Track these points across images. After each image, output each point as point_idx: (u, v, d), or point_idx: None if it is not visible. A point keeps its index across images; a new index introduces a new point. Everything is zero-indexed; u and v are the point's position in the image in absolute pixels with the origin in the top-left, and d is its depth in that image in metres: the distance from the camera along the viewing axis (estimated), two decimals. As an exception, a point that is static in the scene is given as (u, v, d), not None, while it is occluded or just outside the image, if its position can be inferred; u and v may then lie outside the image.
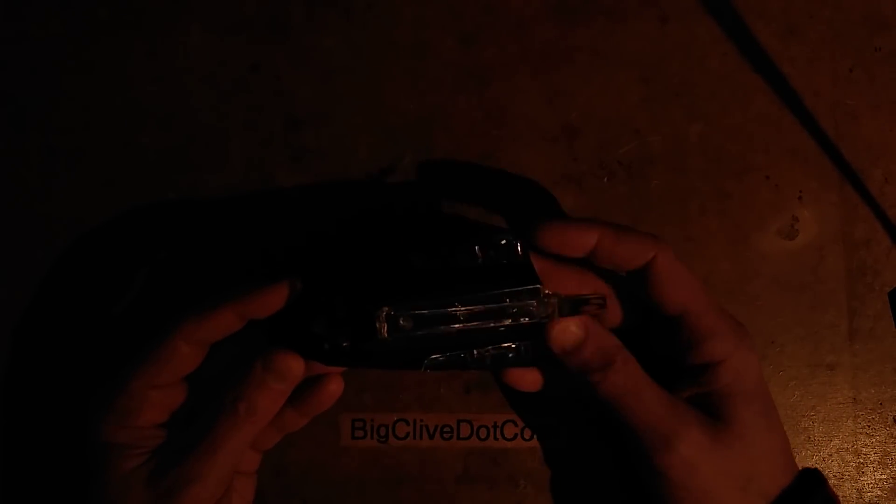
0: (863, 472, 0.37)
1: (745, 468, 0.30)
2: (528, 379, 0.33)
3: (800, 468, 0.32)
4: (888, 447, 0.37)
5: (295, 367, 0.29)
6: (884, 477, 0.37)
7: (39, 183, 0.37)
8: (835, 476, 0.37)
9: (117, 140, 0.37)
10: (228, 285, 0.30)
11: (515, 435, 0.36)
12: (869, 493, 0.37)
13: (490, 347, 0.30)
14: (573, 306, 0.29)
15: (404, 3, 0.37)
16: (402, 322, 0.28)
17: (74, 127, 0.37)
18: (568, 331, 0.29)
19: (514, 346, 0.30)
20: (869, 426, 0.37)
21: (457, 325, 0.29)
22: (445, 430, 0.37)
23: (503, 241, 0.29)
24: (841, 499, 0.36)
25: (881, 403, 0.37)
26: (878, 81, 0.37)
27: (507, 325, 0.29)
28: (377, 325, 0.28)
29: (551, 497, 0.36)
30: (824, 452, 0.37)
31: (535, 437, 0.36)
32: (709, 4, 0.37)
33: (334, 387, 0.32)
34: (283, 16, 0.37)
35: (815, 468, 0.33)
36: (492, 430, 0.36)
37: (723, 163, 0.37)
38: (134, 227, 0.37)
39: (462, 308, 0.29)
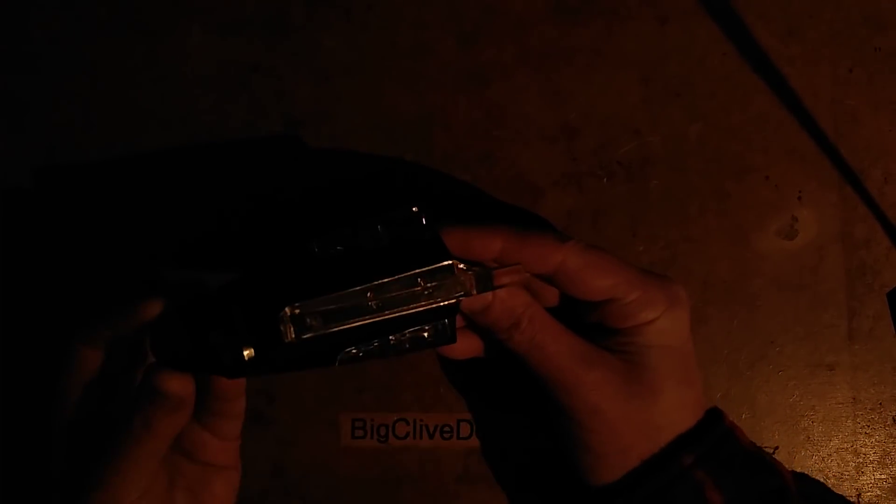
0: (862, 472, 0.37)
1: (655, 418, 0.31)
2: (459, 348, 0.33)
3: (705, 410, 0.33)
4: (888, 447, 0.37)
5: (176, 386, 0.27)
6: (883, 477, 0.37)
7: (39, 183, 0.37)
8: (834, 476, 0.37)
9: (118, 140, 0.37)
10: (107, 303, 0.29)
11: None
12: (868, 493, 0.37)
13: (406, 332, 0.28)
14: (488, 280, 0.28)
15: (404, 3, 0.37)
16: (309, 321, 0.26)
17: (74, 127, 0.37)
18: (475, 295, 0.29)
19: (430, 326, 0.28)
20: (868, 426, 0.37)
21: (369, 318, 0.26)
22: (445, 429, 0.37)
23: (406, 215, 0.28)
24: (840, 499, 0.36)
25: (880, 403, 0.37)
26: (877, 81, 0.37)
27: (423, 308, 0.27)
28: (282, 328, 0.25)
29: (550, 495, 0.36)
30: (824, 452, 0.37)
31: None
32: (709, 4, 0.37)
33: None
34: (283, 16, 0.37)
35: (715, 406, 0.33)
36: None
37: (722, 163, 0.37)
38: (134, 226, 0.37)
39: (373, 297, 0.26)
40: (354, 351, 0.27)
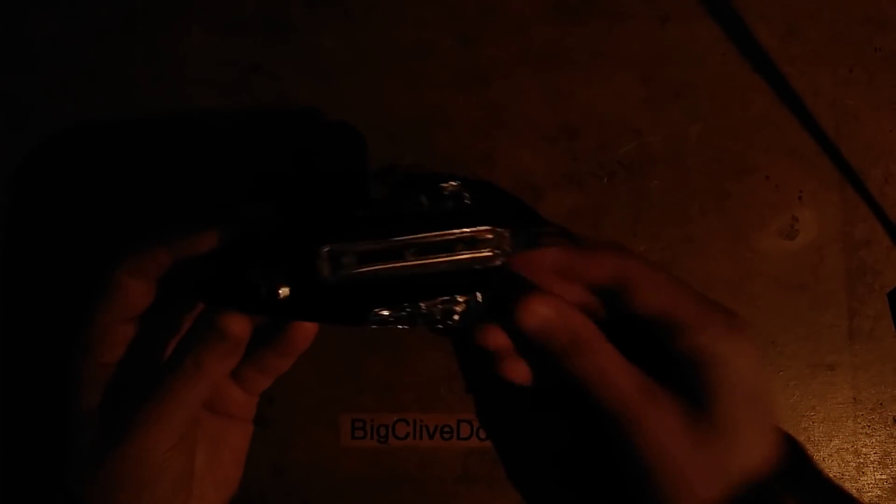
0: (863, 473, 0.37)
1: (722, 461, 0.29)
2: (512, 373, 0.32)
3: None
4: (888, 447, 0.37)
5: (236, 328, 0.27)
6: (884, 477, 0.37)
7: (39, 182, 0.37)
8: (834, 476, 0.37)
9: (117, 140, 0.37)
10: (166, 224, 0.29)
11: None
12: (869, 494, 0.37)
13: (438, 301, 0.28)
14: (529, 238, 0.28)
15: (404, 3, 0.37)
16: (344, 259, 0.27)
17: (75, 127, 0.37)
18: (536, 313, 0.29)
19: (463, 300, 0.29)
20: (869, 426, 0.37)
21: (404, 263, 0.27)
22: (445, 430, 0.37)
23: (449, 186, 0.29)
24: (841, 499, 0.36)
25: (881, 403, 0.37)
26: (878, 81, 0.37)
27: (457, 270, 0.28)
28: (318, 264, 0.26)
29: (552, 497, 0.36)
30: (824, 452, 0.37)
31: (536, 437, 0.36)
32: (709, 4, 0.37)
33: (308, 325, 0.30)
34: (283, 16, 0.37)
35: (788, 434, 0.31)
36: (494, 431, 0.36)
37: (723, 163, 0.37)
38: (133, 226, 0.37)
39: (409, 237, 0.27)
40: (385, 313, 0.28)
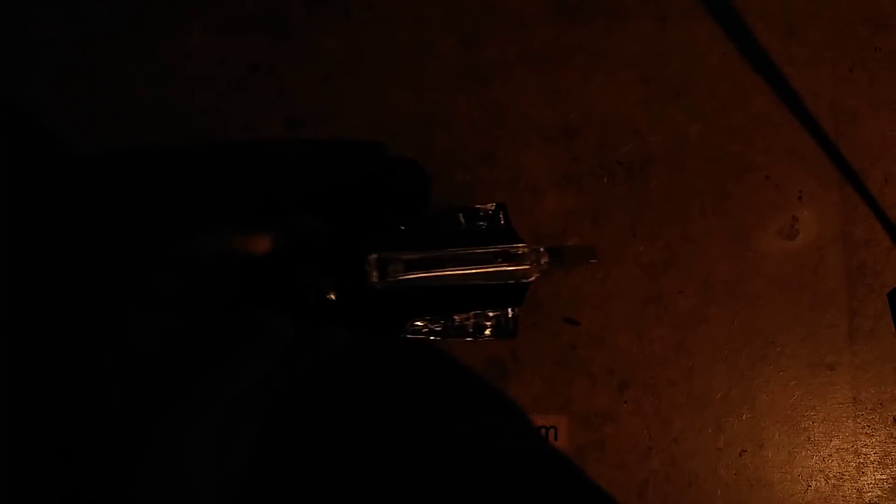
0: (863, 472, 0.37)
1: None
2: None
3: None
4: (888, 447, 0.37)
5: (282, 328, 0.28)
6: (884, 477, 0.37)
7: (39, 182, 0.37)
8: (835, 476, 0.37)
9: (117, 140, 0.37)
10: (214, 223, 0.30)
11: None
12: (869, 493, 0.37)
13: (471, 315, 0.30)
14: (561, 255, 0.30)
15: (404, 3, 0.37)
16: (391, 268, 0.28)
17: (75, 127, 0.37)
18: None
19: (494, 315, 0.30)
20: (869, 426, 0.37)
21: (446, 272, 0.29)
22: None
23: (488, 210, 0.30)
24: (841, 499, 0.36)
25: (881, 403, 0.37)
26: (878, 81, 0.37)
27: (493, 285, 0.29)
28: (367, 270, 0.28)
29: (550, 498, 0.36)
30: (824, 452, 0.37)
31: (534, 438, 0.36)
32: (709, 4, 0.37)
33: (342, 329, 0.31)
34: (283, 16, 0.37)
35: None
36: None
37: (723, 163, 0.37)
38: (134, 226, 0.37)
39: (452, 250, 0.29)
40: (420, 323, 0.30)
